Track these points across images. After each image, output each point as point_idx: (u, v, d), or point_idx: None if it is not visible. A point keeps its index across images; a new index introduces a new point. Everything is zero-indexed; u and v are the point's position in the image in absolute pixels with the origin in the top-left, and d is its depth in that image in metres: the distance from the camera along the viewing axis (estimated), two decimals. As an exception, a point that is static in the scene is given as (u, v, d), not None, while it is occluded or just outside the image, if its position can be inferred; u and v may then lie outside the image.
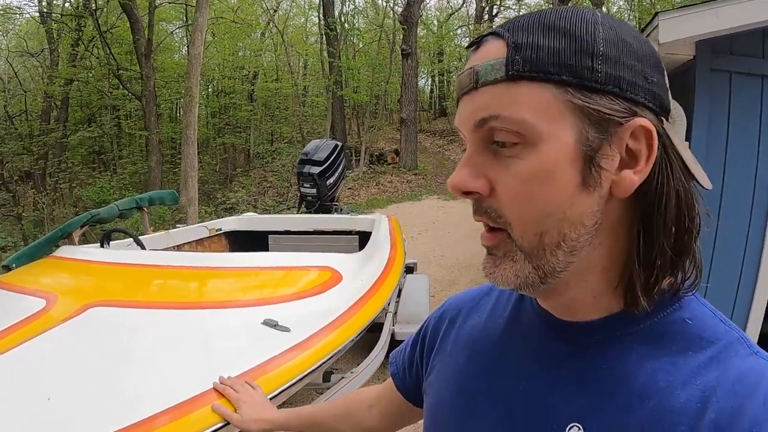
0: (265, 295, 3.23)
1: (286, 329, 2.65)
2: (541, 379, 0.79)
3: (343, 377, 3.51)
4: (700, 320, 0.72)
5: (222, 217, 7.77)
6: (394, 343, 4.64)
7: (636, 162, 0.67)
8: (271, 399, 2.05)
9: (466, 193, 0.71)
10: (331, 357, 2.76)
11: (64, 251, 3.97)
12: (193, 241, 5.84)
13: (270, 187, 21.95)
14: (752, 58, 3.98)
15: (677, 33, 3.71)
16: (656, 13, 3.86)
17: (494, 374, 0.86)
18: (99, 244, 4.65)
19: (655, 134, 0.66)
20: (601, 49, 0.65)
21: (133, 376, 2.16)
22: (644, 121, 0.66)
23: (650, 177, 0.67)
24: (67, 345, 2.41)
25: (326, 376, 3.49)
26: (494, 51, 0.69)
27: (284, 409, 1.52)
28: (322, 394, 3.34)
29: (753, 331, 4.11)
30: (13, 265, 4.06)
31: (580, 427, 0.71)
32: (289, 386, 2.31)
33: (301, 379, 2.40)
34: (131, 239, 4.82)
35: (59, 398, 1.93)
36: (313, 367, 2.54)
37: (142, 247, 4.65)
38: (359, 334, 3.18)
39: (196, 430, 1.82)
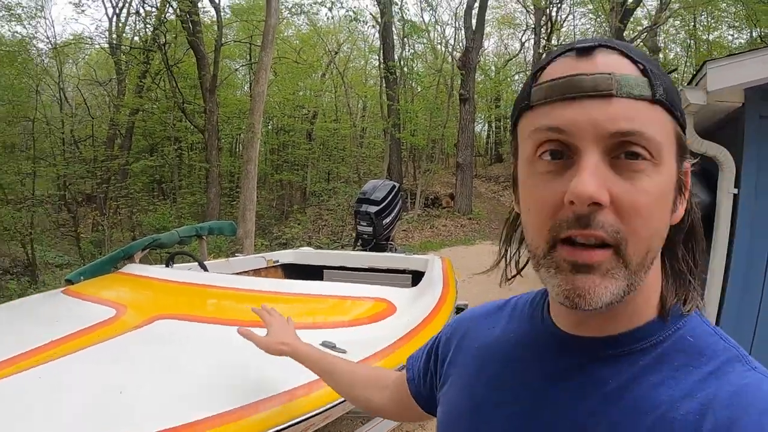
0: (322, 320, 3.40)
1: (343, 351, 2.76)
2: (547, 390, 0.81)
3: None
4: (700, 338, 0.76)
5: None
6: None
7: (682, 195, 0.76)
8: (317, 415, 2.26)
9: (589, 204, 0.67)
10: None
11: (132, 269, 4.18)
12: (251, 270, 5.98)
13: (324, 225, 22.18)
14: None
15: (725, 81, 3.74)
16: (705, 62, 3.89)
17: (503, 384, 0.89)
18: (164, 265, 4.91)
19: (689, 172, 0.77)
20: (680, 95, 0.72)
21: (192, 381, 2.35)
22: (690, 161, 0.77)
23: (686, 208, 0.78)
24: (137, 349, 2.61)
25: None
26: (625, 67, 0.70)
27: (309, 345, 1.61)
28: (365, 424, 3.52)
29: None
30: (81, 278, 4.26)
31: None
32: (337, 404, 2.40)
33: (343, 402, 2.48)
34: (193, 263, 5.08)
35: (130, 392, 2.13)
36: None
37: (205, 270, 4.86)
38: None
39: None
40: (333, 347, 2.80)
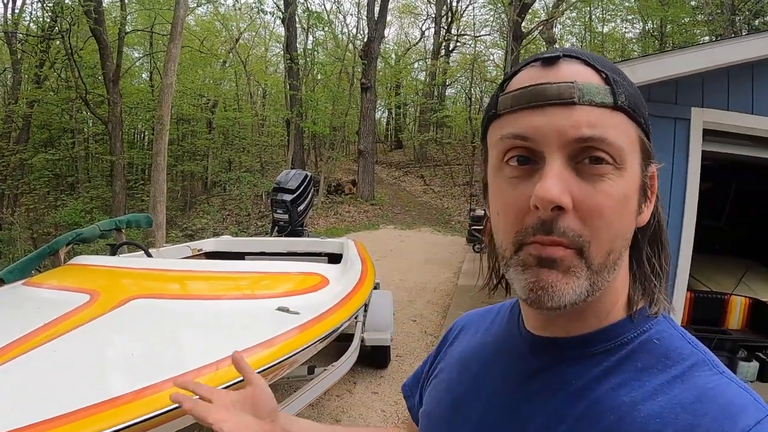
0: (272, 291, 4.02)
1: (297, 313, 3.49)
2: (518, 391, 0.83)
3: (325, 370, 4.27)
4: (667, 341, 0.76)
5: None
6: (364, 347, 5.53)
7: (648, 198, 0.78)
8: (286, 359, 3.02)
9: (552, 208, 0.69)
10: (331, 333, 3.71)
11: (82, 260, 4.63)
12: (180, 259, 6.26)
13: (228, 214, 22.16)
14: (666, 103, 4.69)
15: None
16: None
17: (480, 388, 0.91)
18: (110, 254, 5.47)
19: (656, 176, 0.80)
20: (644, 101, 0.78)
21: (179, 343, 3.07)
22: (655, 165, 0.79)
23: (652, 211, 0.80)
24: (125, 323, 3.13)
25: (310, 370, 4.34)
26: (588, 75, 0.72)
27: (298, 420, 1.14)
28: (307, 384, 4.04)
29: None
30: (11, 276, 4.53)
31: None
32: (301, 350, 3.18)
33: (307, 348, 3.28)
34: (127, 251, 5.73)
35: (139, 354, 2.78)
36: (318, 338, 3.42)
37: (150, 257, 5.42)
38: (349, 319, 4.22)
39: (224, 381, 2.53)
40: (287, 310, 3.50)
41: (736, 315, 5.90)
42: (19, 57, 22.35)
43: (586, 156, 0.70)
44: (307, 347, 3.26)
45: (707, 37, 21.60)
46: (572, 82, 0.70)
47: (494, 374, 0.90)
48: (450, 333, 1.14)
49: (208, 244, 7.24)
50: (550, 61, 0.74)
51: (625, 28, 29.54)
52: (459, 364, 1.01)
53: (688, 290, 5.00)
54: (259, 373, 2.70)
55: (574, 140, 0.69)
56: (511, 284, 0.77)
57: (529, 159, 0.72)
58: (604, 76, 0.72)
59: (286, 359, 3.01)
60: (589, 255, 0.70)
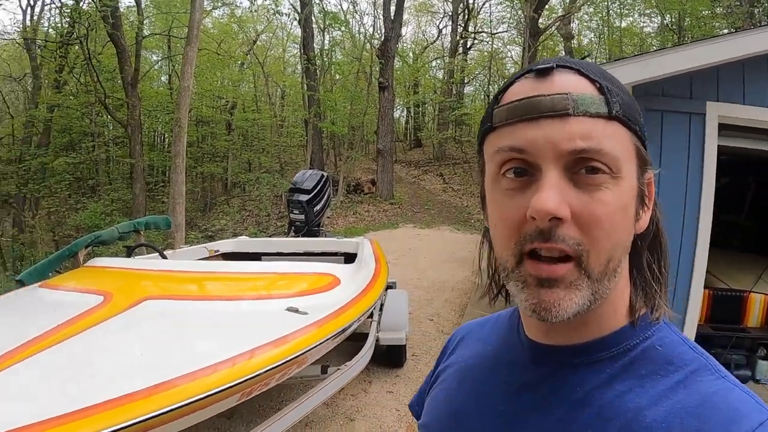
0: (284, 291, 4.09)
1: (305, 313, 3.55)
2: (520, 400, 0.83)
3: (338, 369, 4.32)
4: (669, 347, 0.77)
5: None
6: (379, 346, 5.58)
7: (645, 205, 0.79)
8: (294, 359, 3.08)
9: (550, 219, 0.69)
10: (340, 333, 3.75)
11: (99, 261, 4.72)
12: (197, 260, 6.34)
13: (248, 215, 22.26)
14: (681, 98, 4.64)
15: None
16: None
17: (480, 397, 0.91)
18: (126, 256, 5.52)
19: (653, 183, 0.80)
20: (639, 109, 0.78)
21: (189, 342, 3.08)
22: (652, 171, 0.80)
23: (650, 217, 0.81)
24: (138, 324, 3.21)
25: (324, 369, 4.41)
26: (582, 86, 0.73)
27: None
28: (321, 383, 4.10)
29: (689, 333, 4.63)
30: (31, 278, 4.61)
31: None
32: (308, 350, 3.23)
33: (317, 346, 3.34)
34: (145, 253, 5.90)
35: (148, 354, 2.82)
36: (325, 339, 3.46)
37: (165, 258, 5.46)
38: (358, 319, 4.24)
39: (237, 377, 2.64)
40: (296, 311, 3.57)
41: (755, 313, 5.81)
42: (38, 62, 22.68)
43: (583, 166, 0.70)
44: (315, 347, 3.31)
45: (726, 30, 21.34)
46: (566, 94, 0.71)
47: (494, 384, 0.90)
48: (449, 343, 1.15)
49: (225, 245, 7.34)
50: (543, 73, 0.75)
51: (643, 22, 29.27)
52: (458, 374, 1.01)
53: (705, 288, 4.95)
54: (267, 372, 2.79)
55: (569, 152, 0.70)
56: (512, 297, 0.78)
57: (525, 171, 0.73)
58: (598, 85, 0.73)
59: (293, 359, 3.07)
60: (588, 264, 0.71)
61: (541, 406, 0.79)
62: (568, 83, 0.72)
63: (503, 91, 0.79)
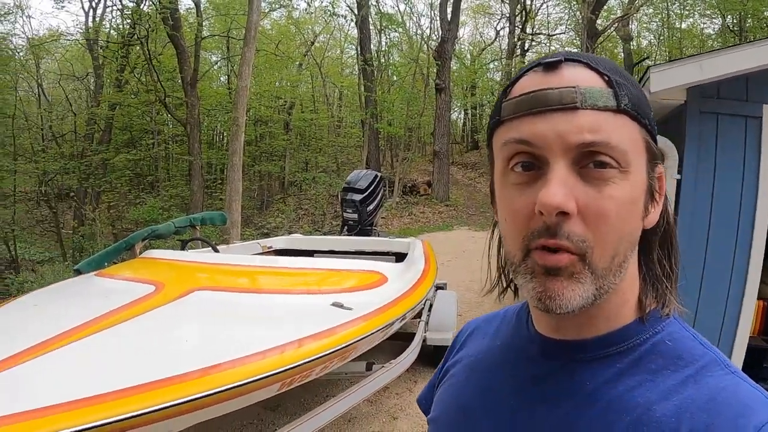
0: (331, 287, 4.16)
1: (350, 308, 3.58)
2: (528, 393, 0.83)
3: (382, 367, 4.35)
4: (679, 342, 0.77)
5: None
6: (426, 346, 5.56)
7: (655, 200, 0.78)
8: (333, 352, 3.11)
9: (557, 214, 0.69)
10: (383, 329, 3.78)
11: (153, 253, 4.86)
12: (245, 255, 6.47)
13: (305, 214, 22.54)
14: (736, 101, 4.49)
15: (665, 83, 4.25)
16: (648, 67, 4.42)
17: (488, 391, 0.90)
18: (180, 249, 5.69)
19: (664, 177, 0.80)
20: (649, 103, 0.77)
21: (239, 333, 3.14)
22: (662, 166, 0.79)
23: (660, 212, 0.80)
24: (187, 312, 3.32)
25: (368, 366, 4.46)
26: (591, 79, 0.72)
27: None
28: (364, 380, 4.13)
29: (738, 354, 4.48)
30: (89, 267, 4.78)
31: None
32: (354, 342, 3.31)
33: (358, 341, 3.38)
34: (199, 247, 6.00)
35: (193, 341, 2.96)
36: (367, 334, 3.49)
37: (216, 252, 5.61)
38: (403, 316, 4.25)
39: (278, 366, 2.71)
40: (341, 306, 3.61)
41: (812, 327, 5.50)
42: (100, 62, 23.38)
43: (591, 160, 0.70)
44: (356, 341, 3.35)
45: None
46: (574, 87, 0.71)
47: (503, 377, 0.90)
48: (458, 338, 1.15)
49: (278, 242, 7.48)
50: (551, 66, 0.74)
51: (704, 23, 28.63)
52: (467, 368, 1.01)
53: (759, 299, 4.77)
54: (307, 363, 2.84)
55: (577, 145, 0.69)
56: (520, 289, 0.78)
57: (533, 164, 0.73)
58: (607, 78, 0.72)
59: (333, 352, 3.12)
60: (593, 260, 0.70)
61: (549, 399, 0.79)
62: (576, 76, 0.72)
63: (512, 84, 0.78)
